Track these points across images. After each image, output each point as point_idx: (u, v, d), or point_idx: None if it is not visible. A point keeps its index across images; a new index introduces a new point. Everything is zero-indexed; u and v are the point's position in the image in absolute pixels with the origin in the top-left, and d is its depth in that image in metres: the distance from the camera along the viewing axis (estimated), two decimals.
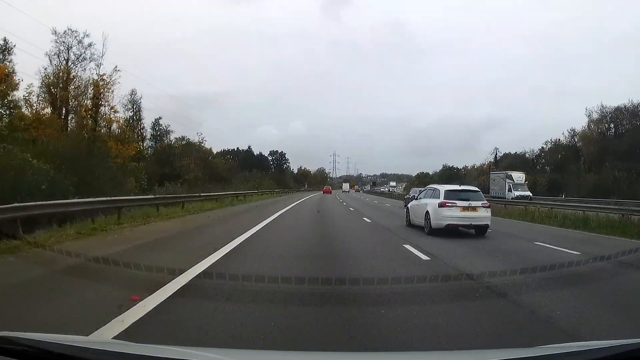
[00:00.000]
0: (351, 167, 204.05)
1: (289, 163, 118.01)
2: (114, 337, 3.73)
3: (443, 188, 14.79)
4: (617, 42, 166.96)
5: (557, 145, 67.82)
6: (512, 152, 78.04)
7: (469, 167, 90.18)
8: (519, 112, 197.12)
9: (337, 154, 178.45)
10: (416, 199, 17.07)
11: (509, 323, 4.81)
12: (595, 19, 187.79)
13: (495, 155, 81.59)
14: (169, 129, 62.03)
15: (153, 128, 59.89)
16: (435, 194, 14.64)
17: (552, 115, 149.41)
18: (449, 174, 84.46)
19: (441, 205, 13.58)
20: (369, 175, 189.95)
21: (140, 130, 55.28)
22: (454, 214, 13.39)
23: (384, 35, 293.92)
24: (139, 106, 52.85)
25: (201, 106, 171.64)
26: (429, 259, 9.02)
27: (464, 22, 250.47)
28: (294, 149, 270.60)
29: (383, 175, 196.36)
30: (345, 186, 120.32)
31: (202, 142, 65.43)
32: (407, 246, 10.78)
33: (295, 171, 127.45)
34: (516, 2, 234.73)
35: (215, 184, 49.53)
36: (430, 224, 13.77)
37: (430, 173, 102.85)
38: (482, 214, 13.67)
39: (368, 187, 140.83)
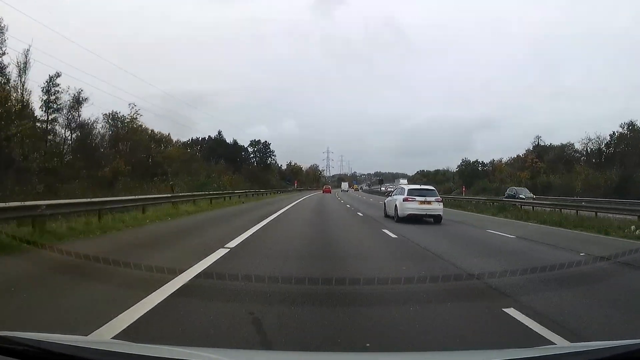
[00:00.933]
0: (345, 165, 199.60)
1: (275, 156, 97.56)
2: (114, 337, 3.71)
3: (407, 187, 20.00)
4: (611, 42, 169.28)
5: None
6: (556, 144, 64.53)
7: (496, 161, 74.91)
8: (514, 111, 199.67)
9: (330, 151, 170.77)
10: (390, 196, 22.18)
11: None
12: (590, 19, 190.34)
13: (537, 143, 66.74)
14: (81, 95, 40.28)
15: (47, 92, 38.35)
16: (402, 192, 19.24)
17: (547, 115, 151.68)
18: (471, 170, 75.80)
19: (405, 200, 18.18)
20: (363, 174, 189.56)
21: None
22: (414, 206, 17.90)
23: (378, 34, 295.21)
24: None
25: (188, 105, 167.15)
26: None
27: (458, 21, 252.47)
28: (286, 148, 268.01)
29: (377, 174, 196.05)
30: (344, 185, 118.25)
31: (134, 118, 46.38)
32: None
33: (284, 167, 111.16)
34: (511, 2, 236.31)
35: (148, 180, 37.26)
36: (397, 214, 18.36)
37: (449, 169, 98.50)
38: (435, 207, 18.17)
39: (364, 186, 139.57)
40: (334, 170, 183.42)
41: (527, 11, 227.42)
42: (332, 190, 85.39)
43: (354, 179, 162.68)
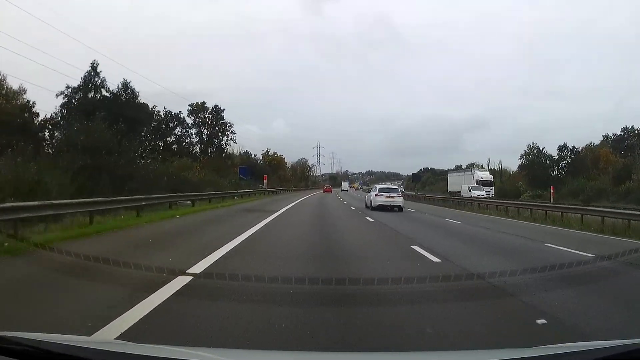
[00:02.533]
0: (335, 163, 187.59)
1: (234, 134, 63.94)
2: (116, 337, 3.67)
3: (378, 187, 29.56)
4: (605, 41, 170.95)
5: None
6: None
7: (593, 146, 55.08)
8: (507, 111, 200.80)
9: (321, 146, 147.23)
10: (368, 192, 33.05)
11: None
12: (582, 18, 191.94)
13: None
14: None
15: None
16: (374, 190, 28.38)
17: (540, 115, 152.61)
18: (539, 164, 58.16)
19: (376, 195, 26.62)
20: (355, 173, 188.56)
21: None
22: (381, 200, 25.98)
23: (370, 32, 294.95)
24: None
25: (177, 103, 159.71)
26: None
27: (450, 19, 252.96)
28: (274, 147, 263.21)
29: (369, 173, 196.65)
30: (345, 185, 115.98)
31: None
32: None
33: (259, 156, 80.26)
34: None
35: None
36: (371, 205, 26.56)
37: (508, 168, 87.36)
38: (397, 200, 26.35)
39: (364, 185, 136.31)
40: (325, 168, 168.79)
41: (521, 10, 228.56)
42: (332, 190, 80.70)
43: (346, 178, 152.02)
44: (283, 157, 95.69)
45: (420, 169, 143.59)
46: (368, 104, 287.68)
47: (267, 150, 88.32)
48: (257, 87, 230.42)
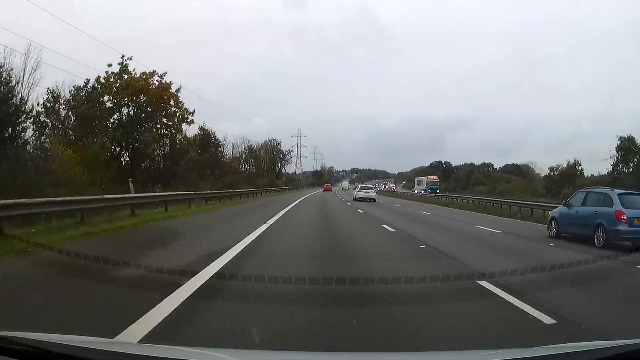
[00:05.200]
0: (319, 159, 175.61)
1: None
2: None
3: (360, 186, 50.65)
4: (592, 43, 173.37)
5: None
6: None
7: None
8: (492, 110, 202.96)
9: (302, 134, 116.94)
10: (354, 190, 53.35)
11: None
12: (570, 18, 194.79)
13: None
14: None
15: None
16: (357, 188, 47.55)
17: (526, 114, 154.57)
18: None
19: (358, 191, 43.51)
20: (340, 171, 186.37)
21: None
22: (361, 193, 41.45)
23: (354, 28, 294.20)
24: None
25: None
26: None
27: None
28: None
29: (355, 171, 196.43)
30: (345, 183, 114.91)
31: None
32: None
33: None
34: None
35: None
36: (355, 198, 41.30)
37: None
38: (372, 194, 41.98)
39: (348, 184, 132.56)
40: (307, 164, 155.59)
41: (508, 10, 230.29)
42: (332, 189, 79.05)
43: (331, 176, 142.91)
44: (249, 140, 62.65)
45: (505, 164, 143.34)
46: (352, 102, 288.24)
47: (203, 124, 45.90)
48: (235, 83, 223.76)
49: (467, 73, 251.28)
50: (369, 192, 41.59)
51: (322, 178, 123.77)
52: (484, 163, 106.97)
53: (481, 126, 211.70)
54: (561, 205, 15.10)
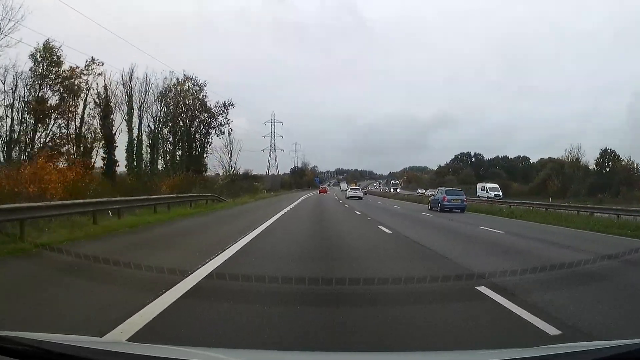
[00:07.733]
0: (300, 157, 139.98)
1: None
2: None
3: (350, 186, 77.77)
4: (577, 42, 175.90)
5: None
6: None
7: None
8: (477, 109, 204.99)
9: (277, 121, 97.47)
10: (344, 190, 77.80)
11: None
12: (556, 17, 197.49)
13: None
14: None
15: None
16: (347, 189, 70.55)
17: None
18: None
19: (347, 191, 59.56)
20: (322, 172, 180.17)
21: None
22: (351, 192, 55.06)
23: (336, 23, 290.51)
24: None
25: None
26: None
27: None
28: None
29: (340, 172, 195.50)
30: (343, 185, 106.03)
31: None
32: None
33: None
34: None
35: None
36: (346, 196, 54.12)
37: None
38: (359, 193, 55.51)
39: (341, 185, 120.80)
40: (285, 160, 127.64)
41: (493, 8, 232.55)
42: (328, 190, 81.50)
43: (315, 176, 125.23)
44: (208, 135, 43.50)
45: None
46: (335, 101, 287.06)
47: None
48: (212, 79, 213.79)
49: (455, 71, 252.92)
50: (357, 192, 54.49)
51: (304, 177, 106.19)
52: (519, 157, 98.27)
53: (466, 124, 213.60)
54: None
